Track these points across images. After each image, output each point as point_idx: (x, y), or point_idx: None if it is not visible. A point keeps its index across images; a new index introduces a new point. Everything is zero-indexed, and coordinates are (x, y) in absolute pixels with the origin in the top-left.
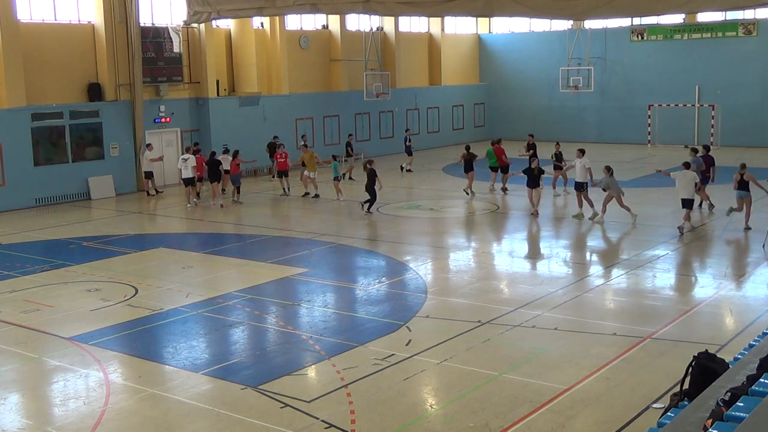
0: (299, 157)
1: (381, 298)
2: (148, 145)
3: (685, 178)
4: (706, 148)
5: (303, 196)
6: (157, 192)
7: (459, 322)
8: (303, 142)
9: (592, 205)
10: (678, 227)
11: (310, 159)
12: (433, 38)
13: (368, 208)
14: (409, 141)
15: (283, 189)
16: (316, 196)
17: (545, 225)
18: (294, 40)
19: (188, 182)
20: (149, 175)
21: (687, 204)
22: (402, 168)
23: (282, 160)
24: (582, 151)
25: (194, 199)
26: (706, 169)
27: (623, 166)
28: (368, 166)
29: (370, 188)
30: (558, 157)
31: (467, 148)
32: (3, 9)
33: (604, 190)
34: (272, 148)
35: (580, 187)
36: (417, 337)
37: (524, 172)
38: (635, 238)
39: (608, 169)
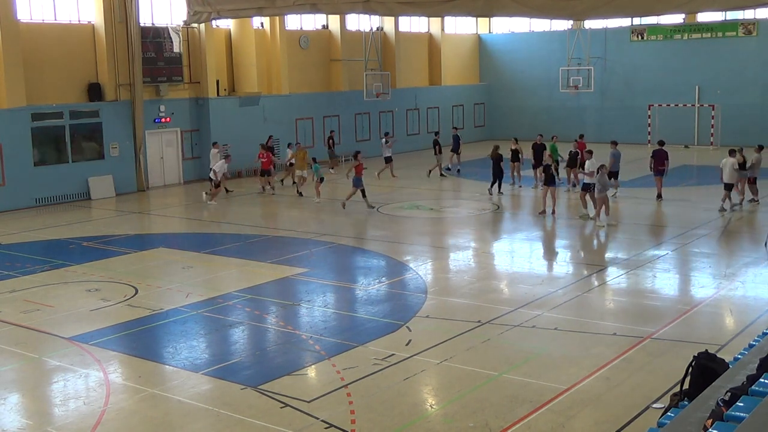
0: (292, 154)
1: (381, 298)
2: (214, 144)
3: (727, 164)
4: (661, 143)
5: (299, 194)
6: (227, 190)
7: (459, 322)
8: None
9: (596, 206)
10: (720, 209)
11: (302, 158)
12: (433, 38)
13: (495, 189)
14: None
15: (262, 187)
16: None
17: (546, 225)
18: (294, 40)
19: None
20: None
21: (728, 187)
22: (459, 170)
23: (264, 159)
24: (591, 152)
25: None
26: (660, 162)
27: (623, 166)
28: (496, 151)
29: (496, 171)
30: (573, 156)
31: (516, 140)
32: (3, 9)
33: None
34: (330, 142)
35: (588, 188)
36: (417, 337)
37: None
38: (635, 238)
39: (599, 169)
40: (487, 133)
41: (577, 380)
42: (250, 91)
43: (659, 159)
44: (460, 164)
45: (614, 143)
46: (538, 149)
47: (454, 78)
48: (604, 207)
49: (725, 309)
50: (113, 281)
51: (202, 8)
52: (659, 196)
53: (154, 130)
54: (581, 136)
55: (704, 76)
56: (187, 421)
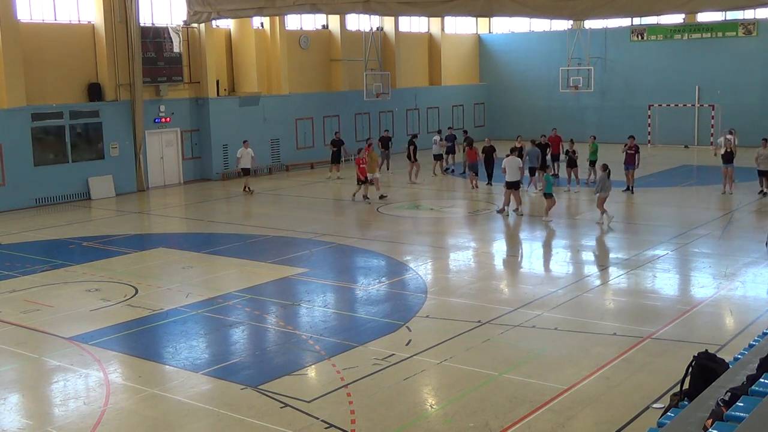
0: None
1: (381, 298)
2: (245, 142)
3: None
4: (632, 138)
5: (380, 198)
6: (250, 190)
7: (459, 322)
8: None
9: (520, 203)
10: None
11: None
12: (433, 38)
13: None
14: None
15: (362, 195)
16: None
17: (545, 225)
18: (294, 40)
19: (246, 172)
20: (246, 171)
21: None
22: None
23: (363, 165)
24: (513, 150)
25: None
26: (632, 156)
27: (623, 166)
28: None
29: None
30: (571, 156)
31: (519, 138)
32: (3, 9)
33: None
34: (385, 143)
35: (515, 186)
36: (417, 337)
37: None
38: (635, 238)
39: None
40: (487, 133)
41: (577, 380)
42: (250, 91)
43: (632, 153)
44: (446, 165)
45: (533, 141)
46: (542, 149)
47: (454, 78)
48: (601, 207)
49: (725, 309)
50: (113, 281)
51: (202, 8)
52: (630, 188)
53: (154, 130)
54: (554, 130)
55: (704, 76)
56: (187, 421)
